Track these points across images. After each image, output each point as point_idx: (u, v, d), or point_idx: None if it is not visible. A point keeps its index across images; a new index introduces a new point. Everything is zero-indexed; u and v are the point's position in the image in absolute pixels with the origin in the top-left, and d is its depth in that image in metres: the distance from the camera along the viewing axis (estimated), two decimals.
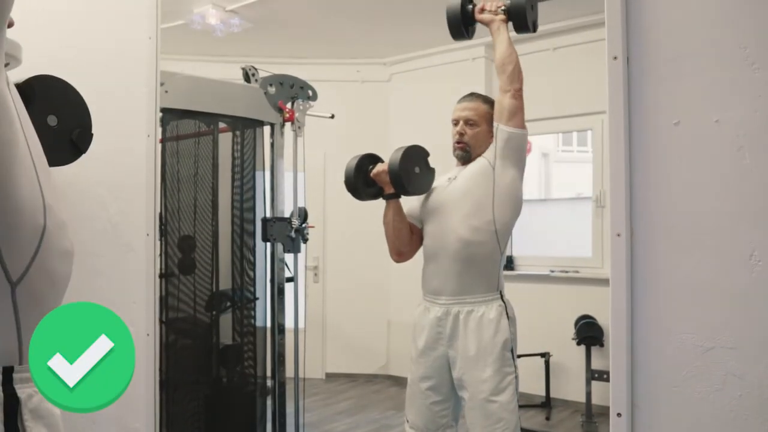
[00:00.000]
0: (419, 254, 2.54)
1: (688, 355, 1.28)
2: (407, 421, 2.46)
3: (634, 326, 1.33)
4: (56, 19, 2.43)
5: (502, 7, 2.38)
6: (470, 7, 2.41)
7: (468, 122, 2.43)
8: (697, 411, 1.28)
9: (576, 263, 4.83)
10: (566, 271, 4.80)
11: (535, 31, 2.45)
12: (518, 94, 2.34)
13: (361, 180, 2.50)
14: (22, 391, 1.00)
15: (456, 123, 2.46)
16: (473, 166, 2.41)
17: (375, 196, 2.54)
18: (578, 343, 4.33)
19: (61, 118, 1.42)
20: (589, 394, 4.20)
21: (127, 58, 2.31)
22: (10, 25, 1.14)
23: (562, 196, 7.30)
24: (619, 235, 1.34)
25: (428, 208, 2.47)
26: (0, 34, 1.03)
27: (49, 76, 1.45)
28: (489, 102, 2.48)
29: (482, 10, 2.39)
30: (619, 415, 1.34)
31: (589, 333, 4.29)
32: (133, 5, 2.33)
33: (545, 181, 7.42)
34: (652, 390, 1.32)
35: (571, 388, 4.64)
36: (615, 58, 1.33)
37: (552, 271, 4.85)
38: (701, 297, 1.28)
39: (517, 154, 2.37)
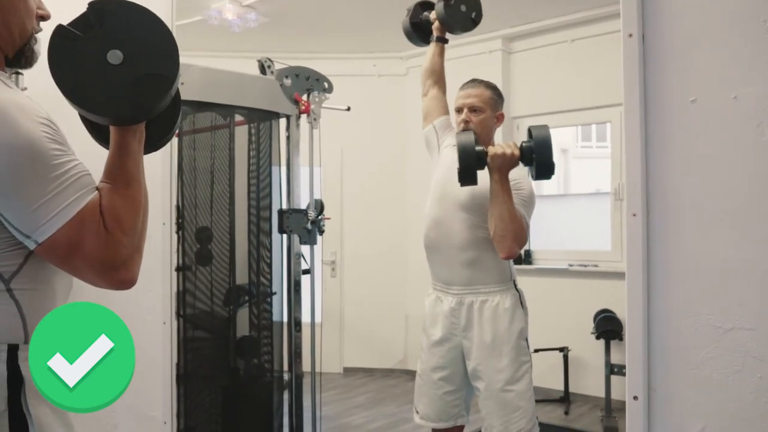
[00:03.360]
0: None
1: (706, 337, 1.26)
2: (417, 412, 2.44)
3: (651, 308, 1.31)
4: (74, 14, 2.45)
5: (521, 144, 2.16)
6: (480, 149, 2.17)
7: (472, 109, 2.37)
8: (716, 393, 1.25)
9: (595, 257, 4.78)
10: (585, 265, 4.75)
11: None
12: (513, 255, 2.23)
13: (419, 30, 2.78)
14: (26, 369, 1.01)
15: (460, 111, 2.41)
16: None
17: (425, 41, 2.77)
18: (597, 337, 4.29)
19: (128, 56, 1.04)
20: (608, 389, 4.16)
21: None
22: (47, 17, 1.19)
23: (581, 191, 7.24)
24: (635, 215, 1.32)
25: (435, 189, 2.43)
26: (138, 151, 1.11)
27: (136, 5, 1.10)
28: (492, 87, 2.44)
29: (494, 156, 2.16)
30: (635, 398, 1.32)
31: (608, 327, 4.24)
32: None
33: (564, 177, 7.37)
34: (669, 372, 1.30)
35: (590, 382, 4.60)
36: (630, 35, 1.31)
37: (570, 265, 4.81)
38: (719, 277, 1.25)
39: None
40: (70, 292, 1.18)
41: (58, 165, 1.00)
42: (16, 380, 1.00)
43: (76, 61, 1.03)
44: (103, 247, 1.01)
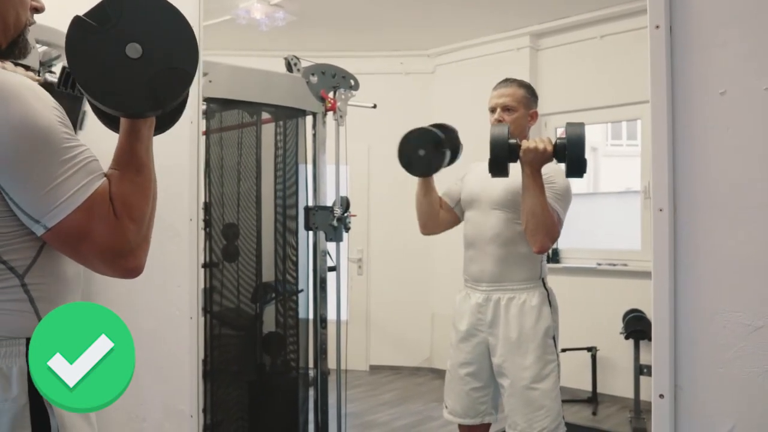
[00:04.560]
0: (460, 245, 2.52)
1: (735, 335, 1.23)
2: (446, 407, 2.45)
3: (678, 304, 1.29)
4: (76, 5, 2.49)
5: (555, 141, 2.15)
6: (513, 141, 2.17)
7: (506, 108, 2.39)
8: (745, 392, 1.22)
9: (624, 256, 4.71)
10: (614, 264, 4.69)
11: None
12: (546, 250, 2.24)
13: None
14: None
15: (493, 110, 2.43)
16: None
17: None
18: (626, 337, 4.23)
19: (148, 50, 1.02)
20: (637, 390, 4.10)
21: None
22: (41, 10, 1.18)
23: (610, 189, 7.15)
24: (661, 210, 1.29)
25: (469, 195, 2.46)
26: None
27: None
28: (525, 86, 2.45)
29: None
30: (661, 396, 1.29)
31: (637, 327, 4.18)
32: None
33: (593, 175, 7.28)
34: (696, 371, 1.27)
35: (618, 383, 4.53)
36: (657, 27, 1.29)
37: (599, 264, 4.74)
38: (749, 273, 1.22)
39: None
40: (82, 284, 1.18)
41: (69, 149, 0.99)
42: None
43: (94, 53, 1.01)
44: (111, 235, 1.00)
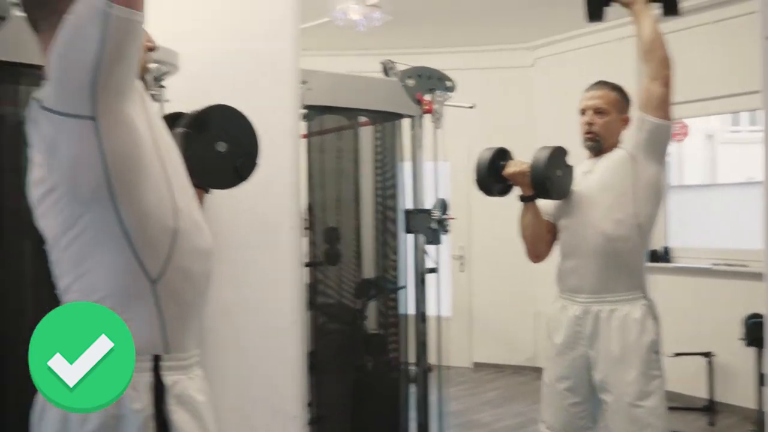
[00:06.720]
0: None
1: None
2: (543, 422, 2.38)
3: None
4: (207, 24, 2.60)
5: None
6: None
7: (597, 111, 2.31)
8: None
9: (743, 256, 4.37)
10: (731, 265, 4.38)
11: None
12: (668, 82, 2.18)
13: (493, 177, 2.46)
14: (168, 378, 1.11)
15: (584, 112, 2.35)
16: (610, 158, 2.29)
17: (503, 193, 2.51)
18: (748, 344, 3.94)
19: (230, 145, 1.55)
20: (760, 401, 3.82)
21: (271, 57, 2.43)
22: (154, 49, 1.33)
23: (729, 181, 6.69)
24: None
25: (564, 203, 2.37)
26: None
27: (229, 107, 1.59)
28: (617, 89, 2.36)
29: None
30: None
31: (760, 334, 3.88)
32: (276, 5, 2.44)
33: (710, 165, 6.83)
34: None
35: (739, 392, 4.22)
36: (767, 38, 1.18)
37: (715, 264, 4.45)
38: None
39: (662, 147, 2.25)
40: (209, 286, 1.26)
41: None
42: (159, 387, 1.09)
43: (198, 150, 1.50)
44: None
